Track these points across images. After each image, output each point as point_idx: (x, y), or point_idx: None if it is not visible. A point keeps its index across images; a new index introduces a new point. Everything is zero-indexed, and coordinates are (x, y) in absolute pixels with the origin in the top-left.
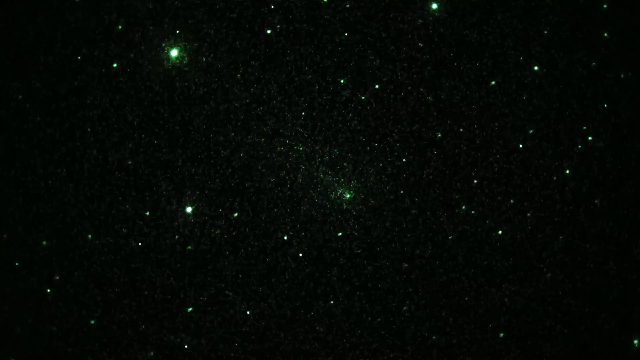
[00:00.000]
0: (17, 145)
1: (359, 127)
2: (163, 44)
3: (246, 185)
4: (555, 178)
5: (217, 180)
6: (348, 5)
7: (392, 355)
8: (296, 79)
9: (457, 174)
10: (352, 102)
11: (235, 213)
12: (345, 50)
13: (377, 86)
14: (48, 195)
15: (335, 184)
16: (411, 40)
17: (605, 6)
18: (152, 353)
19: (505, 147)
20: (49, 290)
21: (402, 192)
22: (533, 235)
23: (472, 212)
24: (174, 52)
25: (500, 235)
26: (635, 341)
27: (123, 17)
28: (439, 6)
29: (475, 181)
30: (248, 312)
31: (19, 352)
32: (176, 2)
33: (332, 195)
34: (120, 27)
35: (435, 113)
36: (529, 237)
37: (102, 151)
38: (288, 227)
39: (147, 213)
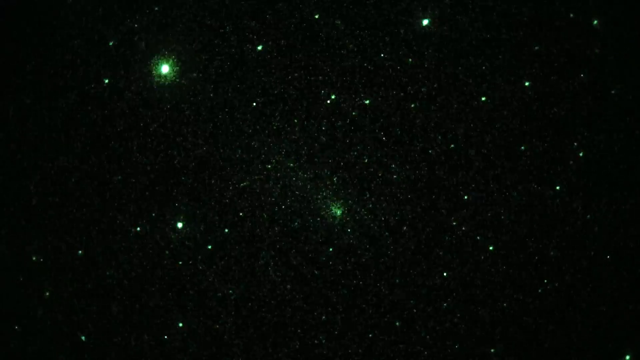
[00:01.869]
0: (6, 159)
1: (349, 143)
2: (154, 60)
3: (237, 201)
4: (546, 193)
5: (208, 195)
6: (339, 22)
7: None
8: (287, 95)
9: (448, 189)
10: (343, 118)
11: (225, 229)
12: (336, 66)
13: (367, 101)
14: (38, 210)
15: (326, 200)
16: (402, 56)
17: (595, 22)
18: None
19: (496, 163)
20: (39, 306)
21: (392, 208)
22: (524, 251)
23: (463, 228)
24: (165, 68)
25: (491, 251)
26: (627, 357)
27: (115, 32)
28: (429, 22)
29: (466, 197)
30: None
31: None
32: (167, 18)
33: (323, 211)
34: (111, 43)
35: (426, 129)
36: (520, 253)
37: (93, 166)
38: (279, 243)
39: (138, 229)
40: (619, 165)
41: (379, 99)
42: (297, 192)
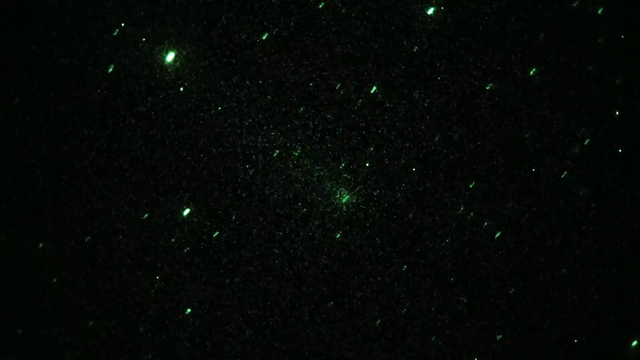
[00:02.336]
0: (13, 147)
1: (356, 130)
2: (159, 48)
3: (243, 187)
4: (551, 181)
5: (214, 182)
6: (344, 10)
7: (391, 357)
8: (292, 83)
9: (454, 176)
10: (348, 106)
11: (232, 215)
12: (341, 55)
13: (374, 89)
14: (44, 197)
15: (333, 187)
16: (408, 44)
17: (600, 11)
18: (150, 355)
19: (502, 151)
20: (46, 292)
21: (399, 194)
22: (530, 238)
23: (470, 214)
24: (170, 56)
25: (497, 237)
26: (634, 343)
27: (120, 20)
28: (435, 11)
29: (472, 184)
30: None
31: (18, 354)
32: (172, 6)
33: (330, 198)
34: (117, 30)
35: (432, 116)
36: (526, 239)
37: (99, 153)
38: (286, 229)
39: (145, 215)
40: (624, 153)
41: (385, 87)
42: (302, 180)
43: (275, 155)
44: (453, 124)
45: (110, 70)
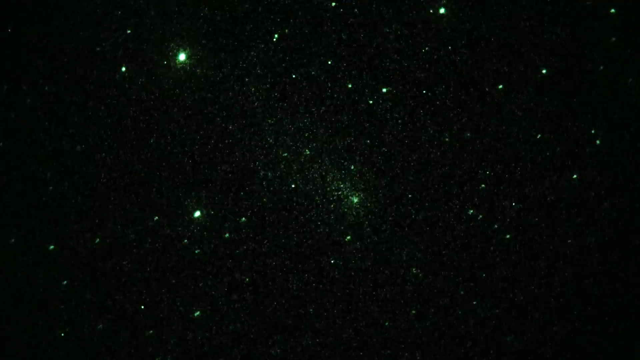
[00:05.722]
0: (24, 148)
1: (365, 131)
2: (171, 47)
3: (254, 189)
4: (563, 182)
5: (225, 184)
6: (356, 10)
7: (399, 358)
8: (303, 83)
9: (464, 177)
10: (359, 106)
11: (242, 217)
12: (352, 55)
13: (384, 90)
14: (55, 199)
15: (342, 188)
16: (419, 44)
17: (613, 10)
18: (159, 358)
19: (512, 151)
20: (56, 295)
21: (409, 196)
22: (540, 240)
23: (480, 216)
24: (182, 56)
25: (507, 239)
26: None
27: (131, 20)
28: (446, 10)
29: (482, 185)
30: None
31: (26, 358)
32: (184, 6)
33: (340, 200)
34: (129, 30)
35: (442, 117)
36: (536, 241)
37: (110, 154)
38: (295, 231)
39: (156, 217)
40: (635, 153)
41: (396, 87)
42: (313, 181)
43: (286, 156)
44: (464, 124)
45: (122, 71)
